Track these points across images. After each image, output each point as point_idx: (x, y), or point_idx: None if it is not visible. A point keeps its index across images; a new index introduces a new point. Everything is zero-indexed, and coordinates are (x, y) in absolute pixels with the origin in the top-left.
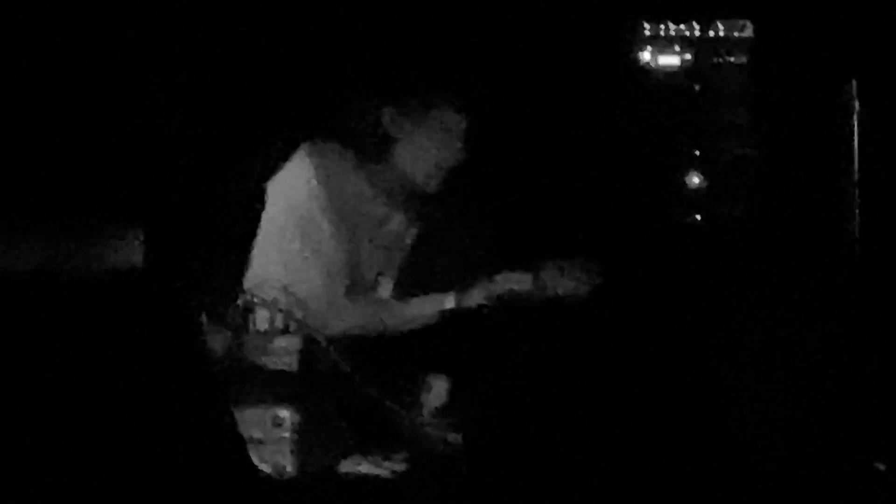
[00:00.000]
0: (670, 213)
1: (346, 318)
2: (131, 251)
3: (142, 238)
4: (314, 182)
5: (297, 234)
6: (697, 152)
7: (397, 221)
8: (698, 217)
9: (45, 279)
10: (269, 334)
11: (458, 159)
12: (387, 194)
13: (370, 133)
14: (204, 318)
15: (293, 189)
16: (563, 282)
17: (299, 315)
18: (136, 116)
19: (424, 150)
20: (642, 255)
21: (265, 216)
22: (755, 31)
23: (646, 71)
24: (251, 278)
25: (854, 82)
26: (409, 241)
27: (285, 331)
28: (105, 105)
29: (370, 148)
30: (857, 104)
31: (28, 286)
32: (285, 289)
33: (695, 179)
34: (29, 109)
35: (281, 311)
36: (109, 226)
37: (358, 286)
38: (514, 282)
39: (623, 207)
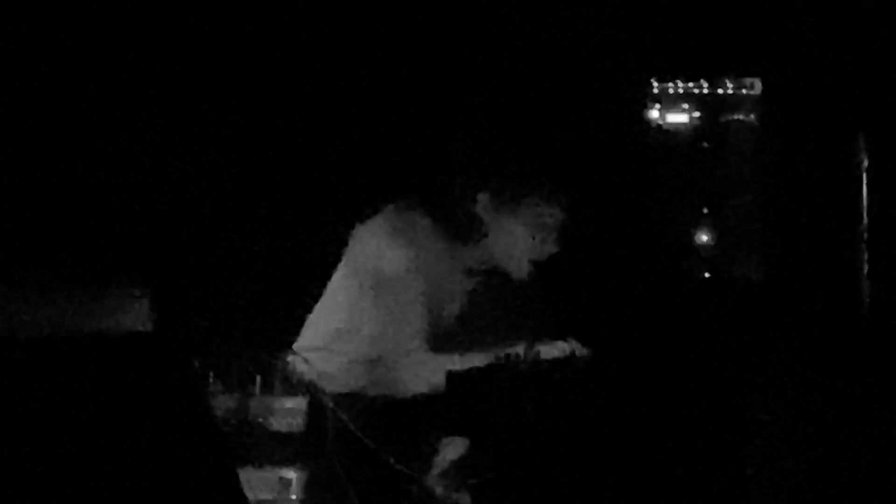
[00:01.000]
0: (680, 271)
1: (420, 378)
2: (140, 312)
3: (150, 299)
4: (384, 247)
5: (370, 293)
6: (706, 210)
7: (464, 294)
8: (707, 274)
9: (53, 340)
10: (276, 395)
11: (551, 252)
12: (468, 273)
13: (462, 213)
14: (212, 379)
15: (370, 249)
16: (578, 346)
17: (308, 376)
18: (147, 178)
19: (520, 241)
20: (652, 312)
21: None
22: (763, 88)
23: (655, 129)
24: (307, 336)
25: (861, 136)
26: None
27: (293, 392)
28: (118, 168)
29: (460, 227)
30: (865, 158)
31: (37, 348)
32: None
33: (704, 237)
34: (38, 173)
35: (289, 371)
36: (118, 286)
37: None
38: (559, 349)
39: (633, 265)
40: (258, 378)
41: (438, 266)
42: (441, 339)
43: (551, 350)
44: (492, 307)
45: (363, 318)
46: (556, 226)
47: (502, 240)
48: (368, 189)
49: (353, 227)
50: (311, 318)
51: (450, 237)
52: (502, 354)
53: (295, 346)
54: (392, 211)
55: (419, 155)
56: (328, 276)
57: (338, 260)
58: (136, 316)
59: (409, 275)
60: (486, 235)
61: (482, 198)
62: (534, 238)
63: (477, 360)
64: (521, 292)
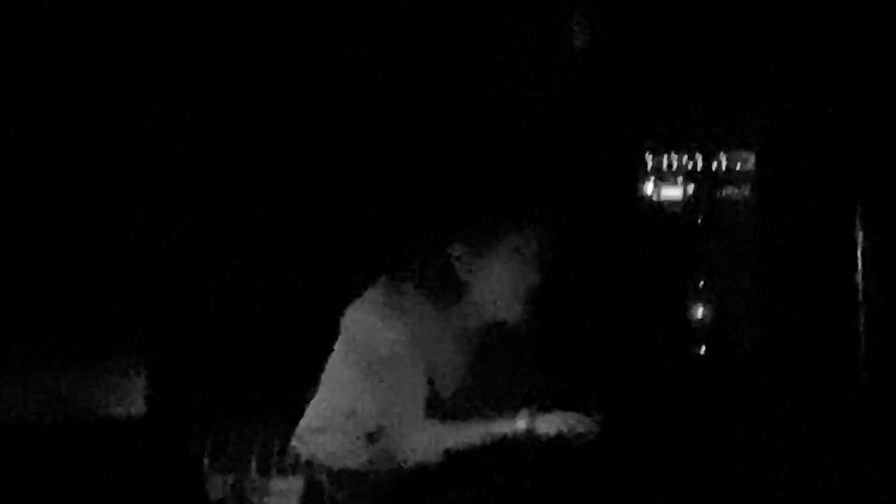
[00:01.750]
0: (675, 346)
1: (422, 450)
2: (136, 390)
3: (146, 378)
4: (378, 323)
5: (368, 371)
6: (701, 284)
7: (462, 359)
8: (703, 350)
9: (50, 417)
10: (271, 475)
11: (534, 285)
12: (463, 335)
13: (443, 275)
14: (207, 459)
15: (364, 327)
16: (580, 417)
17: (304, 456)
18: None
19: (501, 284)
20: (647, 388)
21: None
22: (757, 162)
23: (649, 203)
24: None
25: (858, 210)
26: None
27: (286, 472)
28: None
29: (443, 286)
30: (860, 234)
31: (34, 425)
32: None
33: (698, 312)
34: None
35: (284, 451)
36: (114, 365)
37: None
38: (560, 422)
39: (628, 340)
40: (253, 458)
41: (434, 333)
42: (441, 408)
43: (552, 422)
44: (491, 371)
45: (362, 396)
46: (535, 254)
47: (486, 285)
48: (357, 265)
49: (345, 305)
50: (314, 398)
51: (439, 300)
52: (504, 432)
53: (301, 425)
54: (383, 284)
55: (402, 225)
56: (323, 356)
57: (333, 339)
58: (132, 394)
59: (406, 348)
60: (466, 285)
61: (456, 250)
62: (515, 275)
63: (477, 431)
64: (520, 352)
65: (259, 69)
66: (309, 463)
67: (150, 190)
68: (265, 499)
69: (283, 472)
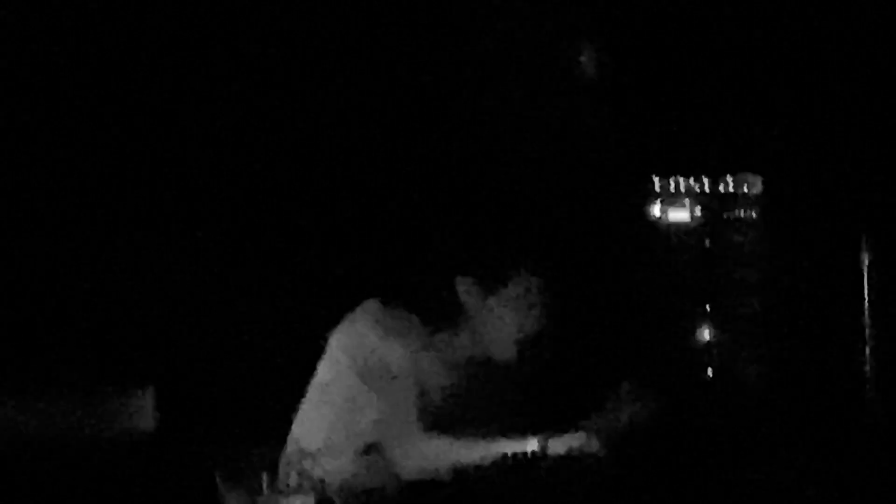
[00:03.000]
0: (680, 370)
1: (419, 462)
2: (144, 413)
3: (153, 399)
4: (372, 338)
5: (364, 386)
6: (708, 307)
7: (451, 387)
8: (710, 372)
9: (56, 441)
10: (284, 494)
11: (535, 327)
12: (454, 365)
13: (443, 303)
14: (218, 479)
15: (361, 342)
16: (588, 440)
17: (316, 473)
18: (145, 284)
19: (504, 323)
20: (653, 409)
21: (321, 369)
22: (764, 186)
23: (656, 226)
24: (297, 430)
25: (864, 237)
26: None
27: (299, 489)
28: (120, 271)
29: (443, 317)
30: (867, 258)
31: (41, 450)
32: (302, 447)
33: (705, 334)
34: (42, 276)
35: (296, 469)
36: (122, 386)
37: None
38: (569, 444)
39: (633, 363)
40: (265, 476)
41: (427, 355)
42: (434, 425)
43: (562, 445)
44: (487, 396)
45: (361, 410)
46: (538, 301)
47: (488, 322)
48: (347, 286)
49: (334, 324)
50: (310, 416)
51: (433, 327)
52: (513, 452)
53: (297, 444)
54: (374, 304)
55: (397, 248)
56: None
57: (328, 358)
58: (139, 416)
59: (402, 364)
60: (471, 323)
61: (463, 284)
62: (518, 314)
63: (488, 449)
64: (518, 381)
65: (274, 97)
66: (320, 480)
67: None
68: None
69: (294, 490)
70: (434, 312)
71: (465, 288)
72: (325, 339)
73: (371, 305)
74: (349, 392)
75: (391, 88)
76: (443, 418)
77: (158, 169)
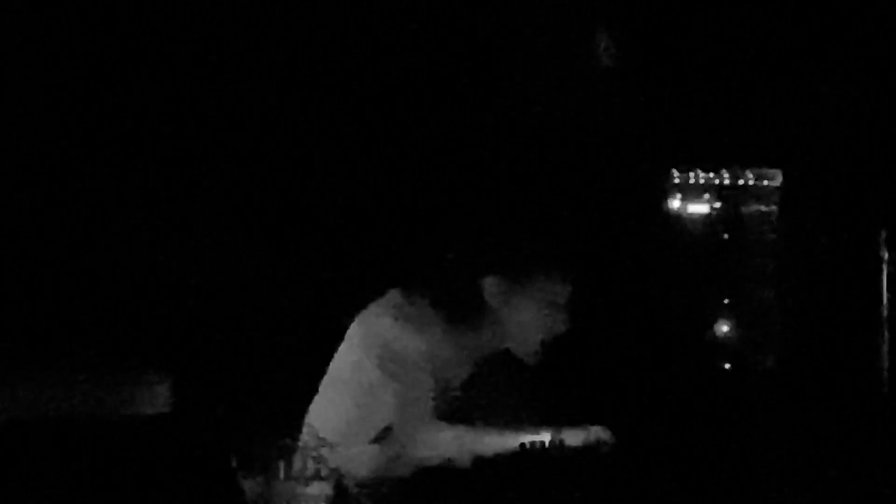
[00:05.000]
0: (699, 362)
1: (435, 450)
2: (159, 396)
3: (170, 383)
4: (392, 328)
5: (381, 375)
6: (727, 300)
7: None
8: (727, 366)
9: (74, 424)
10: (300, 480)
11: (560, 331)
12: (474, 359)
13: (467, 299)
14: (234, 463)
15: (379, 331)
16: (602, 432)
17: (331, 460)
18: (163, 264)
19: (529, 324)
20: (670, 402)
21: (339, 355)
22: (784, 180)
23: (675, 219)
24: (313, 418)
25: (883, 232)
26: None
27: (316, 477)
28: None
29: (466, 314)
30: (885, 253)
31: (57, 432)
32: (316, 433)
33: (724, 328)
34: (58, 257)
35: (313, 456)
36: (138, 370)
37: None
38: (583, 436)
39: (652, 356)
40: (281, 463)
41: (443, 352)
42: (450, 414)
43: (576, 437)
44: (503, 389)
45: (377, 399)
46: (565, 303)
47: (512, 322)
48: (370, 274)
49: (356, 311)
50: (326, 404)
51: (454, 323)
52: (528, 442)
53: (313, 432)
54: (397, 294)
55: (421, 239)
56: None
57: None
58: (155, 401)
59: (420, 354)
60: (494, 321)
61: (490, 282)
62: (544, 317)
63: (503, 438)
64: (534, 374)
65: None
66: (335, 469)
67: (165, 197)
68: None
69: (310, 477)
70: (456, 306)
71: (491, 287)
72: (345, 327)
73: (393, 295)
74: (367, 381)
75: (424, 83)
76: (459, 409)
77: (188, 154)
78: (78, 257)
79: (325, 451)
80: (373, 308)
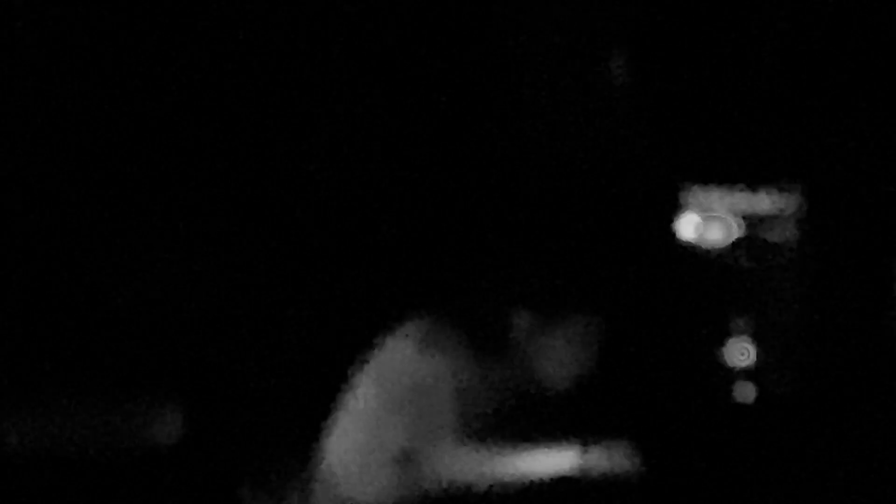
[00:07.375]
0: (718, 391)
1: (457, 476)
2: (171, 424)
3: (181, 413)
4: (414, 354)
5: (400, 402)
6: (748, 326)
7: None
8: (749, 394)
9: (85, 456)
10: None
11: (591, 369)
12: (499, 391)
13: (497, 332)
14: (246, 491)
15: (400, 358)
16: (627, 456)
17: (346, 491)
18: (173, 291)
19: (558, 360)
20: (691, 433)
21: (357, 381)
22: (803, 204)
23: (693, 244)
24: (327, 446)
25: None
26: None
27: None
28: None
29: (494, 346)
30: None
31: (69, 463)
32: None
33: (743, 355)
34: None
35: (327, 487)
36: (151, 400)
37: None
38: (607, 460)
39: (670, 385)
40: (295, 492)
41: (468, 382)
42: (469, 438)
43: (600, 461)
44: (527, 417)
45: (394, 426)
46: (596, 342)
47: (541, 357)
48: (394, 298)
49: (377, 337)
50: (341, 432)
51: (481, 354)
52: (552, 464)
53: (327, 458)
54: (421, 321)
55: (449, 266)
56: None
57: (364, 370)
58: (166, 427)
59: (441, 381)
60: (522, 355)
61: (521, 317)
62: (574, 353)
63: (525, 462)
64: (558, 403)
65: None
66: (350, 499)
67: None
68: None
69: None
70: (484, 338)
71: (521, 323)
72: (363, 354)
73: (419, 322)
74: (383, 410)
75: (456, 111)
76: (484, 436)
77: (202, 169)
78: (89, 285)
79: (338, 481)
80: (393, 335)
